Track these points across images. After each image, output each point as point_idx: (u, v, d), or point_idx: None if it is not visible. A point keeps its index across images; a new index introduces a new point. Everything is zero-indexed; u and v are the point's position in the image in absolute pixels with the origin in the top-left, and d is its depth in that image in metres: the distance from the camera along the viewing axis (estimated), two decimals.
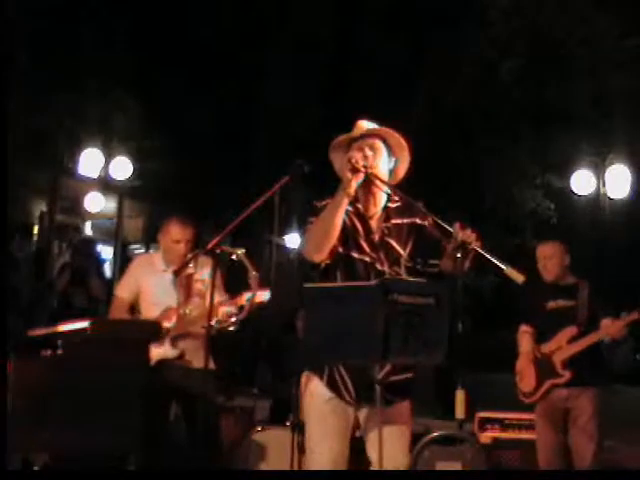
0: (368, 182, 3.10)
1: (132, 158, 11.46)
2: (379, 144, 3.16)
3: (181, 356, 4.46)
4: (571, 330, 4.51)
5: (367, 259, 3.09)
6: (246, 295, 4.24)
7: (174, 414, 4.72)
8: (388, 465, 2.93)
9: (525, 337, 4.72)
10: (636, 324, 4.42)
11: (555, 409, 4.54)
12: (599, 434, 4.42)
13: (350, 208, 3.14)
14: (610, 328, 4.43)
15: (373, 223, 3.16)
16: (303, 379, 3.14)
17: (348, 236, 3.10)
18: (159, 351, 4.41)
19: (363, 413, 3.09)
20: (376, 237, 3.13)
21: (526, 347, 4.69)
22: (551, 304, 4.64)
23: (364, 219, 3.15)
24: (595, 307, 4.52)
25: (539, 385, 4.59)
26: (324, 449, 3.05)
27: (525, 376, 4.67)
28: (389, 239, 3.13)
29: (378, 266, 3.08)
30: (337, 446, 3.05)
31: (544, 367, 4.57)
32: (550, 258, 4.63)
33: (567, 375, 4.49)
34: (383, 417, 2.89)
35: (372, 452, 3.05)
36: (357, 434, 3.17)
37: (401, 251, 3.13)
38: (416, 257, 3.13)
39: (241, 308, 4.29)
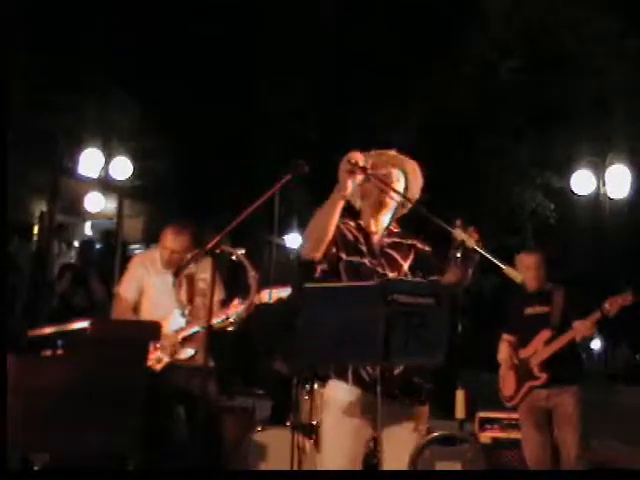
0: (375, 202, 3.14)
1: (132, 158, 11.45)
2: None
3: (193, 357, 4.48)
4: (545, 334, 4.68)
5: (368, 263, 3.11)
6: (266, 292, 4.26)
7: (176, 414, 4.73)
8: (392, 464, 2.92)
9: (504, 345, 4.88)
10: (606, 321, 4.57)
11: (536, 408, 4.67)
12: (583, 427, 4.54)
13: (352, 223, 3.19)
14: (579, 328, 4.57)
15: (375, 237, 3.19)
16: (328, 388, 3.10)
17: (349, 246, 3.13)
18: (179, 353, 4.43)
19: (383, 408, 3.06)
20: (378, 247, 3.16)
21: (504, 355, 4.85)
22: (529, 310, 4.80)
23: (366, 233, 3.18)
24: (569, 310, 4.68)
25: (518, 388, 4.74)
26: (339, 457, 2.99)
27: (506, 382, 4.83)
28: (390, 251, 3.18)
29: (380, 270, 3.11)
30: (354, 454, 3.01)
31: (523, 371, 4.73)
32: (536, 268, 4.78)
33: (544, 377, 4.65)
34: (399, 416, 2.93)
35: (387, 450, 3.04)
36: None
37: (402, 262, 3.17)
38: (416, 275, 3.16)
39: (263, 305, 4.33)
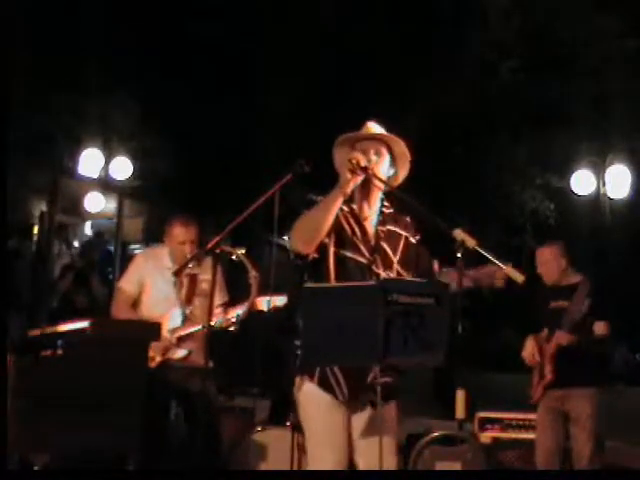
0: (365, 184, 3.11)
1: (132, 158, 11.44)
2: (384, 150, 3.17)
3: (187, 356, 4.47)
4: (558, 332, 4.58)
5: (364, 261, 3.09)
6: (264, 300, 4.26)
7: (174, 414, 4.73)
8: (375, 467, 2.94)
9: (529, 341, 4.77)
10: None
11: (551, 409, 4.62)
12: (598, 434, 4.46)
13: (345, 208, 3.15)
14: (559, 336, 4.51)
15: (368, 225, 3.16)
16: (297, 381, 3.11)
17: (344, 237, 3.10)
18: (172, 352, 4.43)
19: (354, 416, 3.08)
20: (372, 240, 3.14)
21: (525, 352, 4.76)
22: (552, 304, 4.72)
23: (359, 220, 3.15)
24: (589, 308, 4.55)
25: (537, 387, 4.68)
26: (327, 456, 3.01)
27: (534, 380, 4.75)
28: (383, 243, 3.16)
29: (374, 268, 3.09)
30: (341, 453, 3.03)
31: (540, 369, 4.67)
32: (547, 262, 4.73)
33: (549, 377, 4.58)
34: (375, 420, 2.93)
35: (359, 456, 3.06)
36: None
37: (393, 257, 3.16)
38: (406, 269, 3.17)
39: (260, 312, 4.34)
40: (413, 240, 3.24)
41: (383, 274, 3.10)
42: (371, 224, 3.17)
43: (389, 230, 3.20)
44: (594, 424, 4.47)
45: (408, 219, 3.26)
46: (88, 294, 8.38)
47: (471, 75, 12.67)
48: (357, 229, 3.13)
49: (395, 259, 3.16)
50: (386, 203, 3.23)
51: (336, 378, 3.03)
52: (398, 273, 3.14)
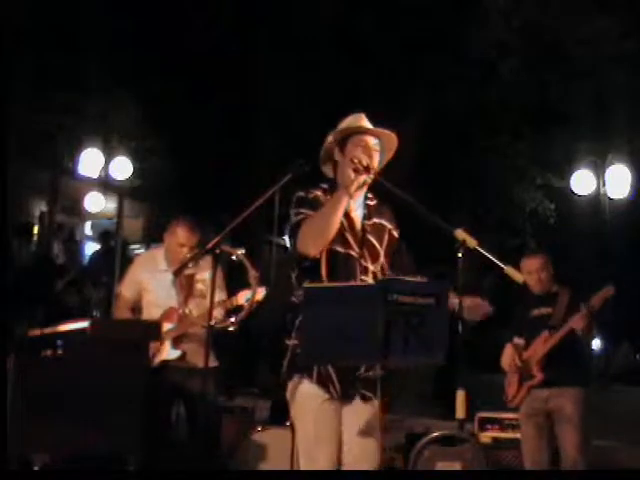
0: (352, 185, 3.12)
1: (132, 158, 11.44)
2: (378, 145, 3.19)
3: (182, 357, 4.46)
4: (545, 334, 4.65)
5: (353, 254, 3.10)
6: (244, 295, 4.26)
7: (176, 414, 4.73)
8: (363, 464, 2.97)
9: (508, 349, 4.85)
10: (606, 322, 4.55)
11: (536, 409, 4.65)
12: (584, 428, 4.49)
13: None
14: (573, 322, 4.53)
15: (355, 218, 3.17)
16: (293, 382, 3.11)
17: (336, 233, 3.10)
18: (162, 353, 4.41)
19: (344, 411, 3.08)
20: (359, 233, 3.14)
21: (506, 359, 4.83)
22: (534, 312, 4.80)
23: (347, 214, 3.15)
24: (571, 311, 4.61)
25: (520, 389, 4.72)
26: (321, 454, 3.01)
27: (510, 383, 4.81)
28: (370, 237, 3.17)
29: (363, 262, 3.11)
30: (334, 449, 3.03)
31: (524, 372, 4.71)
32: (539, 271, 4.78)
33: (539, 376, 4.63)
34: (359, 413, 2.97)
35: (346, 452, 3.04)
36: None
37: (379, 250, 3.18)
38: (390, 262, 3.20)
39: (238, 308, 4.31)
40: (395, 234, 3.26)
41: (371, 267, 3.11)
42: (357, 217, 3.18)
43: (374, 223, 3.21)
44: (579, 422, 4.49)
45: (389, 210, 3.27)
46: (79, 293, 8.41)
47: (471, 75, 12.66)
48: (346, 223, 3.13)
49: (381, 252, 3.18)
50: (370, 195, 3.24)
51: (328, 374, 3.02)
52: (382, 266, 3.16)
